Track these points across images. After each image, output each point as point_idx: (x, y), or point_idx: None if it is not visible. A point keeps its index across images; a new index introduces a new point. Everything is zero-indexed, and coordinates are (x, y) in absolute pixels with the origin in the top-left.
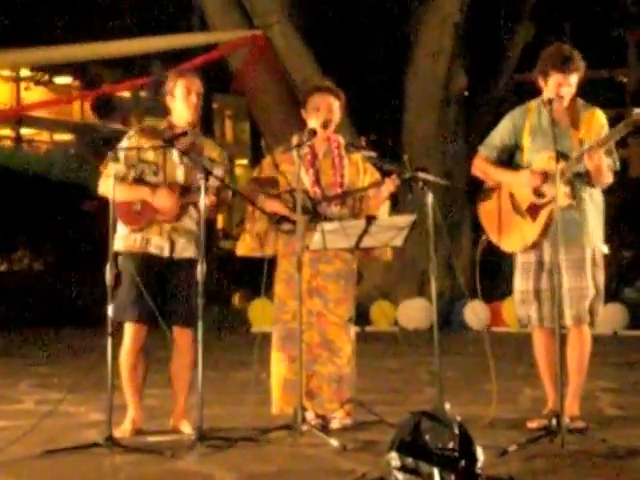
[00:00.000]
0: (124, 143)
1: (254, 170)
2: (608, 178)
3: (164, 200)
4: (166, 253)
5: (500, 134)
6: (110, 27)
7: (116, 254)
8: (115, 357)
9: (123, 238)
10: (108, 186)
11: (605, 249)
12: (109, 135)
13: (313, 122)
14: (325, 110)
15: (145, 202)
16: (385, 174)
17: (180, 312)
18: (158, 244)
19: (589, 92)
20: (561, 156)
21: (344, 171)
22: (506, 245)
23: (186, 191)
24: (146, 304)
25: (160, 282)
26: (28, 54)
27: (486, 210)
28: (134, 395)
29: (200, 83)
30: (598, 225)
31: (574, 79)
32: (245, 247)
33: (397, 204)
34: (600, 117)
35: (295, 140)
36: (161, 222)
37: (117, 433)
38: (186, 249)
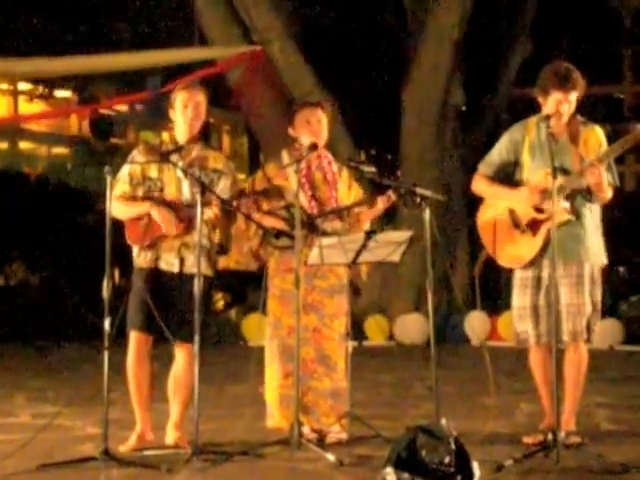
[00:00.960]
0: (127, 164)
1: (246, 183)
2: (608, 194)
3: (162, 215)
4: (176, 269)
5: (499, 151)
6: (109, 40)
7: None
8: (111, 371)
9: (135, 256)
10: (115, 207)
11: (605, 260)
12: (105, 149)
13: (304, 135)
14: (315, 122)
15: (152, 219)
16: (382, 188)
17: (183, 326)
18: (168, 260)
19: (586, 108)
20: (562, 172)
21: (337, 187)
22: (506, 261)
23: (191, 205)
24: (151, 315)
25: (168, 297)
26: (24, 64)
27: (485, 226)
28: (140, 407)
29: (201, 96)
30: (598, 241)
31: (573, 97)
32: (229, 260)
33: (394, 218)
34: (598, 134)
35: (285, 156)
36: (170, 238)
37: (121, 447)
38: (196, 264)
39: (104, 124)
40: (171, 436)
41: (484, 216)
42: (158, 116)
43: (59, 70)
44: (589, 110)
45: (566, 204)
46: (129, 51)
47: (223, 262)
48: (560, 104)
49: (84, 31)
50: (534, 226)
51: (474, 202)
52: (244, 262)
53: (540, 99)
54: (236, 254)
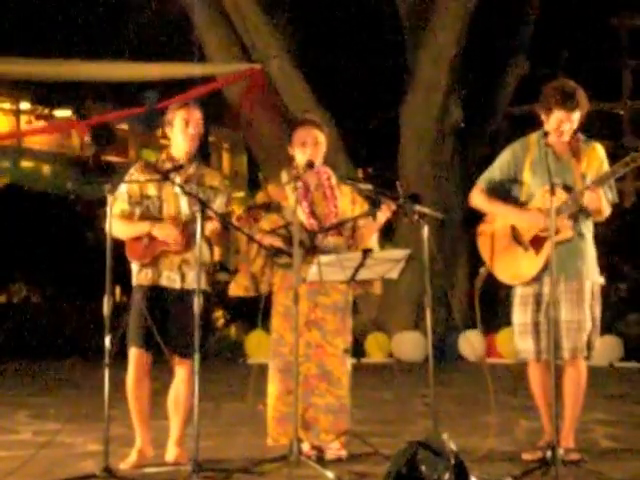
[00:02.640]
0: (125, 182)
1: (248, 202)
2: (606, 212)
3: (166, 232)
4: (177, 285)
5: (500, 166)
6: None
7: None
8: (112, 388)
9: (136, 273)
10: (115, 227)
11: (601, 280)
12: (106, 167)
13: (299, 155)
14: (311, 144)
15: (152, 236)
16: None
17: (183, 342)
18: (169, 276)
19: (585, 124)
20: (565, 189)
21: (337, 202)
22: (507, 278)
23: (191, 222)
24: (151, 332)
25: (168, 313)
26: (19, 66)
27: (485, 242)
28: (140, 424)
29: (200, 114)
30: (595, 258)
31: (576, 116)
32: (238, 288)
33: (392, 235)
34: (599, 151)
35: (284, 175)
36: (170, 254)
37: (122, 465)
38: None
39: (104, 131)
40: (171, 453)
41: (484, 231)
42: (150, 129)
43: (53, 73)
44: (587, 126)
45: (569, 222)
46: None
47: (232, 290)
48: (562, 123)
49: (84, 47)
50: (537, 243)
51: (473, 219)
52: (252, 288)
53: (542, 116)
54: (244, 280)
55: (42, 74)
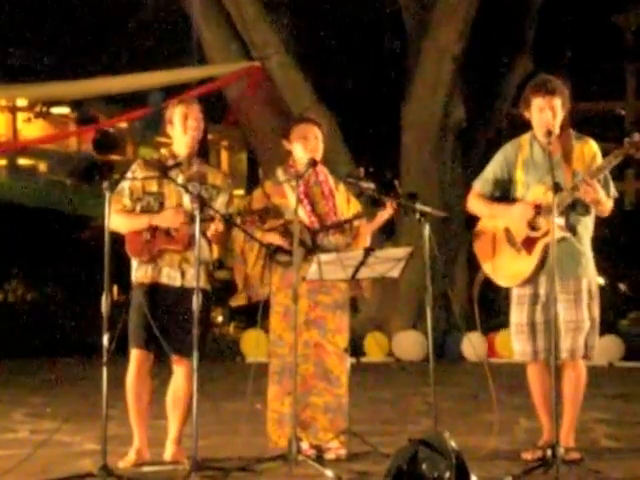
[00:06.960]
0: (127, 179)
1: (245, 200)
2: (608, 206)
3: (169, 217)
4: (177, 283)
5: (493, 169)
6: (107, 63)
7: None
8: (109, 386)
9: (135, 270)
10: (115, 221)
11: (601, 281)
12: (103, 165)
13: (300, 150)
14: (313, 138)
15: (154, 232)
16: (382, 204)
17: (182, 341)
18: (170, 274)
19: (588, 125)
20: (557, 187)
21: (335, 200)
22: (503, 280)
23: (193, 219)
24: (152, 332)
25: (168, 311)
26: (25, 89)
27: (481, 245)
28: (139, 424)
29: (199, 109)
30: (592, 257)
31: (557, 103)
32: (240, 299)
33: (393, 233)
34: (592, 147)
35: (280, 173)
36: (171, 252)
37: (120, 463)
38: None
39: (103, 136)
40: (169, 452)
41: (479, 234)
42: (154, 130)
43: (56, 94)
44: (590, 127)
45: (560, 221)
46: (128, 71)
47: (234, 302)
48: (542, 111)
49: (81, 52)
50: (529, 244)
51: (473, 218)
52: (254, 295)
53: (527, 115)
54: (241, 289)
55: (51, 95)
